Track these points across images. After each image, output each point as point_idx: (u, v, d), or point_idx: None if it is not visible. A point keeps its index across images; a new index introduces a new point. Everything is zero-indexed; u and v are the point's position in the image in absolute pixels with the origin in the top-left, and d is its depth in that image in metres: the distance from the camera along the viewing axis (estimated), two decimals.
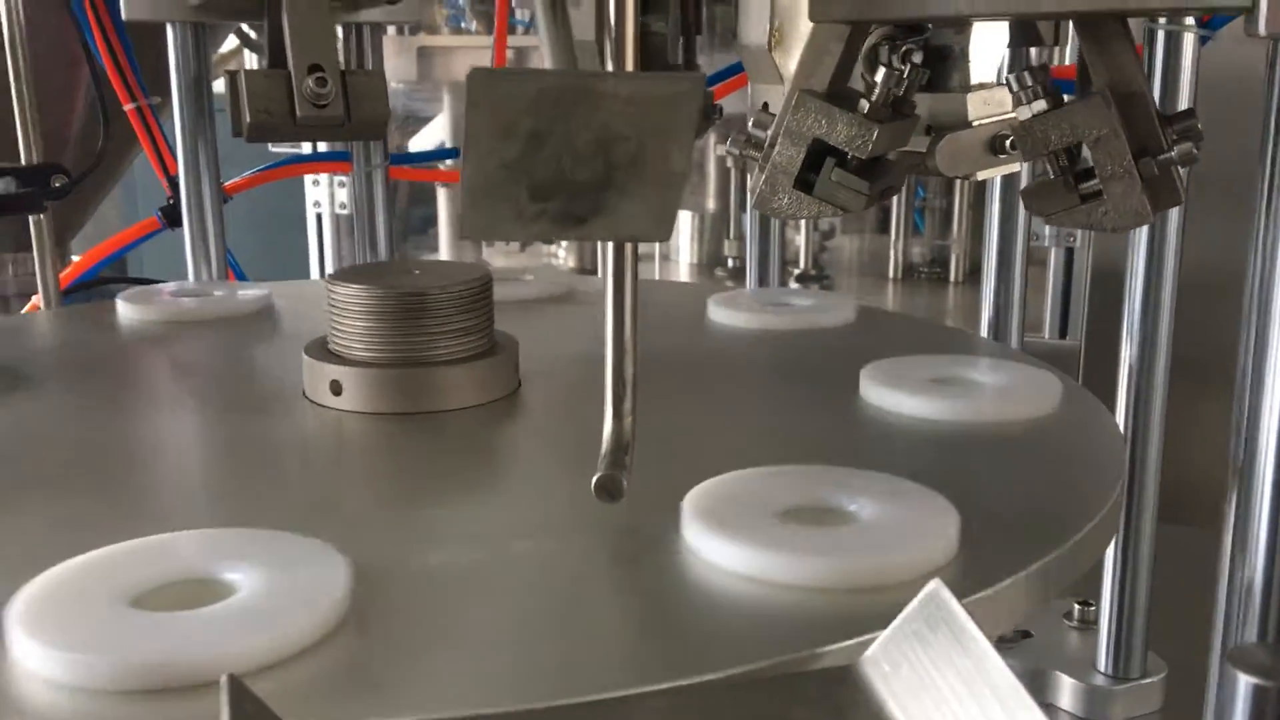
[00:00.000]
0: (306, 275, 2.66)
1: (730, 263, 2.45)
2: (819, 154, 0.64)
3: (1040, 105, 0.65)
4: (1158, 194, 0.66)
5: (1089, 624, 0.99)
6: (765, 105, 0.85)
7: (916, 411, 0.68)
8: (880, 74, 0.61)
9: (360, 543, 0.48)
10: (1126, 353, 0.88)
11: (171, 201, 1.12)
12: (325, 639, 0.40)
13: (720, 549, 0.46)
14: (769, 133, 0.66)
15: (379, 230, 1.16)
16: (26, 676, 0.38)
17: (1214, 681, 0.66)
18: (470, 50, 2.58)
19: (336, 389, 0.70)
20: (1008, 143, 0.74)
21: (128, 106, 1.07)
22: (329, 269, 2.59)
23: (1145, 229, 0.84)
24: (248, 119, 0.83)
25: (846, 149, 0.62)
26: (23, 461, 0.64)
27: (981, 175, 0.77)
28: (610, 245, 0.50)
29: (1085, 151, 0.66)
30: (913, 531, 0.48)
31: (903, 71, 0.62)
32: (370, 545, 0.49)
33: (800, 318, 0.92)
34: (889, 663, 0.36)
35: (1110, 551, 0.90)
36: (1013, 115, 0.67)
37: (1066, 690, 0.93)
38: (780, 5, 0.80)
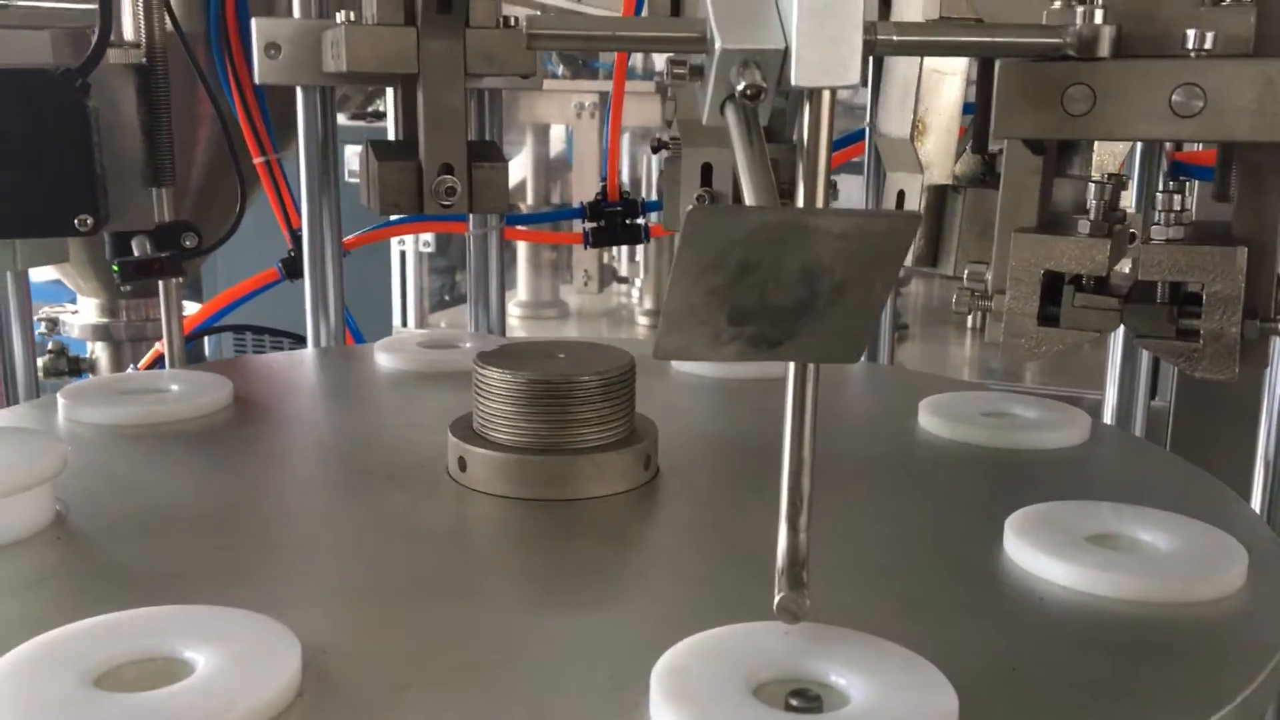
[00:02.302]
0: (388, 308, 2.69)
1: None
2: (1053, 286, 0.64)
3: (1176, 232, 0.65)
4: (1249, 355, 0.66)
5: None
6: (901, 194, 0.85)
7: (1059, 578, 0.58)
8: (1091, 190, 0.61)
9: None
10: (1266, 433, 0.86)
11: (292, 254, 1.14)
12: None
13: None
14: (989, 278, 0.67)
15: (492, 292, 1.16)
16: None
17: None
18: (555, 94, 2.60)
19: (470, 469, 0.71)
20: None
21: (257, 160, 1.09)
22: (411, 306, 2.61)
23: None
24: (378, 204, 0.84)
25: (1080, 271, 0.62)
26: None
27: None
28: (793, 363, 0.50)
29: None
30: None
31: (1108, 183, 0.62)
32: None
33: (1017, 435, 0.81)
34: None
35: None
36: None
37: None
38: (924, 96, 0.80)
